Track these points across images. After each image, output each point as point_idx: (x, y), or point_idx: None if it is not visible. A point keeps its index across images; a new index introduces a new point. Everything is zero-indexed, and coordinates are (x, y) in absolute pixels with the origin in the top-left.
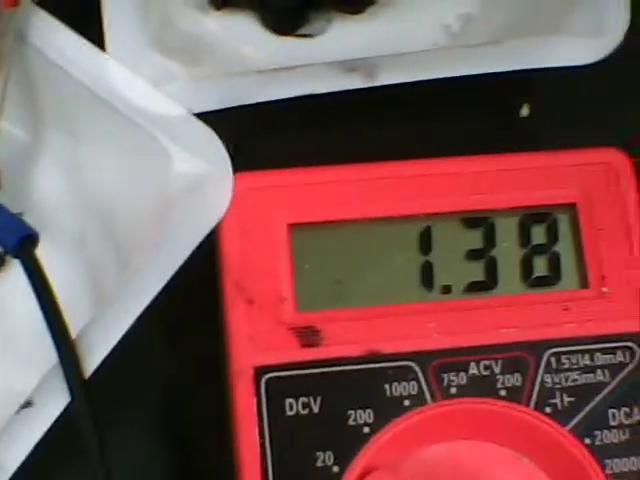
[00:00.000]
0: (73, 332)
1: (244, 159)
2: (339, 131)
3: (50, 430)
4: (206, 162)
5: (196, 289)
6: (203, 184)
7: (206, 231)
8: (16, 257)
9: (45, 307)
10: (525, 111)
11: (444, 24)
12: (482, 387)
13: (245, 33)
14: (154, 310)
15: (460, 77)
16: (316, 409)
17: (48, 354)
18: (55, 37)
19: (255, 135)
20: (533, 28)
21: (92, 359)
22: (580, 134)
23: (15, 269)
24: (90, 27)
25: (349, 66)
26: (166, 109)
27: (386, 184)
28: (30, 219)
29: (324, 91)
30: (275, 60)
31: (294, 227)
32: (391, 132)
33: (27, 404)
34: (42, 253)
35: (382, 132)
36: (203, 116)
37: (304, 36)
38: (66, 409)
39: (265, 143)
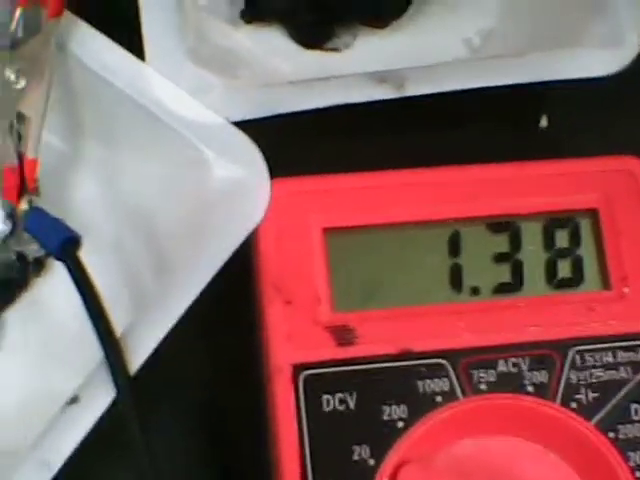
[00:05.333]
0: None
1: (280, 166)
2: (371, 139)
3: (93, 429)
4: (244, 169)
5: (233, 290)
6: (241, 190)
7: (244, 235)
8: (59, 259)
9: (90, 307)
10: (544, 122)
11: (465, 38)
12: (510, 383)
13: (275, 46)
14: (192, 310)
15: (483, 89)
16: (352, 405)
17: (88, 355)
18: (96, 47)
19: (291, 142)
20: (552, 41)
21: (137, 357)
22: (597, 144)
23: (55, 272)
24: (129, 41)
25: (380, 77)
26: (205, 118)
27: (417, 190)
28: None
29: (356, 101)
30: (304, 72)
31: (329, 231)
32: (421, 141)
33: (73, 400)
34: (83, 259)
35: (412, 141)
36: (240, 125)
37: (331, 49)
38: (110, 406)
39: (301, 150)
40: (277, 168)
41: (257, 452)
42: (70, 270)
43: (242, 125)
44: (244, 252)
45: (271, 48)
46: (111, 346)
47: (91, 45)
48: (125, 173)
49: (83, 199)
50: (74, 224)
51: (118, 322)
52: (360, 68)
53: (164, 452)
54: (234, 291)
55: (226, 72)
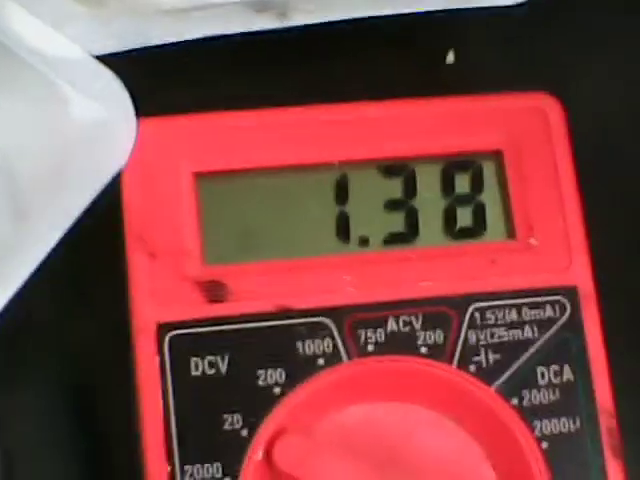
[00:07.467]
0: None
1: (150, 104)
2: (249, 75)
3: None
4: (107, 107)
5: (100, 243)
6: (104, 130)
7: (106, 179)
8: None
9: None
10: (451, 57)
11: None
12: (401, 344)
13: None
14: (55, 264)
15: (382, 19)
16: (223, 369)
17: None
18: None
19: (162, 79)
20: None
21: None
22: (509, 81)
23: None
24: None
25: (260, 6)
26: (64, 51)
27: (300, 130)
28: None
29: (233, 32)
30: (180, 1)
31: (200, 175)
32: (306, 75)
33: None
34: None
35: (296, 75)
36: (106, 59)
37: None
38: None
39: (171, 87)
40: (146, 107)
41: (128, 419)
42: None
43: (108, 59)
44: (112, 199)
45: None
46: None
47: None
48: None
49: None
50: None
51: None
52: None
53: (25, 416)
54: (104, 245)
55: (94, 1)
